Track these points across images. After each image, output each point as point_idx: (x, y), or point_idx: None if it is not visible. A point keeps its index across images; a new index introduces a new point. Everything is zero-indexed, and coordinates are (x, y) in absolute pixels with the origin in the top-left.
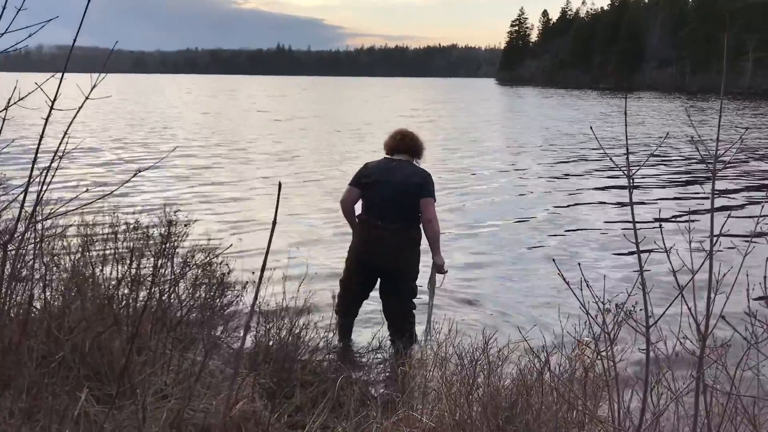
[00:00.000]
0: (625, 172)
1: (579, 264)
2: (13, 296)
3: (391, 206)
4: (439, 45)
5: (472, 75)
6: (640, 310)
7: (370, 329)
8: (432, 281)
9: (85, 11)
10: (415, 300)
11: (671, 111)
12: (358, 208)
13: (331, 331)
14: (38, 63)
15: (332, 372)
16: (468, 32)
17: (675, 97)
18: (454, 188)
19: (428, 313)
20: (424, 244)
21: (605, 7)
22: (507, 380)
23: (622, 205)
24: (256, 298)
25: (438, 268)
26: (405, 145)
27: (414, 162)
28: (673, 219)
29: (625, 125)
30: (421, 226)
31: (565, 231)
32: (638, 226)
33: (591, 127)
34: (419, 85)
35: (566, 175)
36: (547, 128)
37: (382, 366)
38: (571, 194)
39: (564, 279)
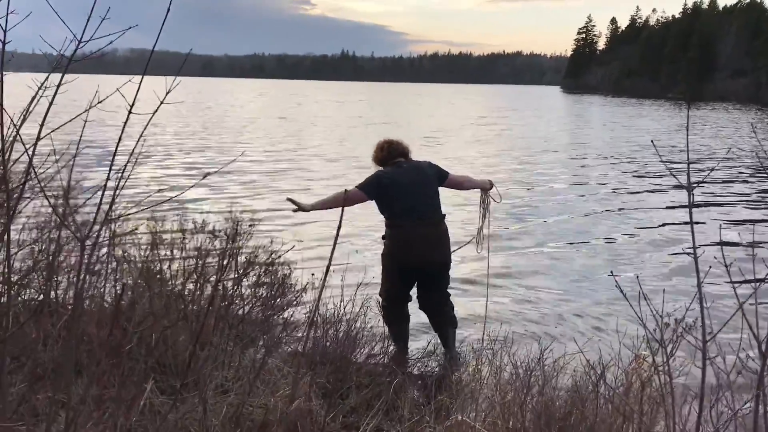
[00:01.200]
0: (686, 186)
1: (637, 276)
2: (87, 289)
3: (424, 202)
4: (504, 51)
5: (536, 82)
6: (701, 325)
7: (425, 334)
8: (488, 198)
9: (164, 22)
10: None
11: (749, 123)
12: (367, 214)
13: (387, 335)
14: (111, 65)
15: (387, 375)
16: (533, 39)
17: (750, 108)
18: (520, 198)
19: (481, 227)
20: None
21: (676, 15)
22: (562, 391)
23: (684, 223)
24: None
25: (489, 186)
26: (397, 150)
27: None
28: (736, 234)
29: (687, 139)
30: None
31: (626, 243)
32: (700, 241)
33: (654, 147)
34: (484, 92)
35: (634, 186)
36: (630, 139)
37: (436, 371)
38: (635, 206)
39: (621, 291)
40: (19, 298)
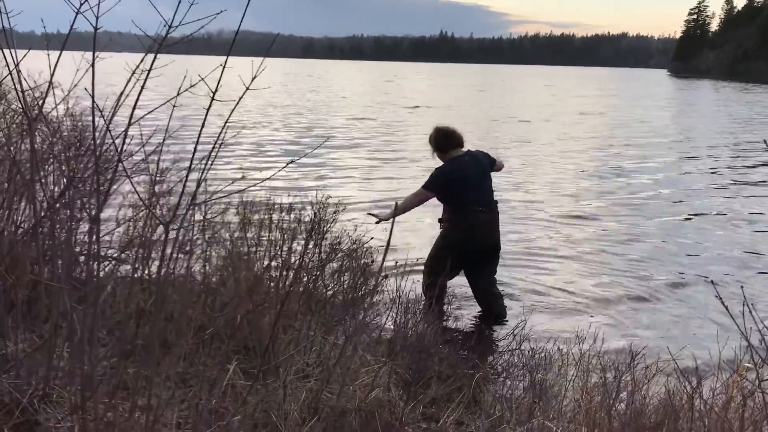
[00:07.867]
0: None
1: (742, 287)
2: (177, 269)
3: (485, 191)
4: (608, 33)
5: (642, 65)
6: None
7: (509, 328)
8: None
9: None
10: None
11: None
12: (429, 205)
13: (472, 327)
14: (195, 46)
15: (469, 368)
16: (640, 20)
17: None
18: (621, 195)
19: None
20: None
21: None
22: (653, 400)
23: None
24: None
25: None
26: (457, 139)
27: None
28: None
29: None
30: None
31: (729, 249)
32: None
33: None
34: (599, 76)
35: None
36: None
37: (519, 368)
38: (748, 213)
39: (722, 302)
40: (113, 273)
